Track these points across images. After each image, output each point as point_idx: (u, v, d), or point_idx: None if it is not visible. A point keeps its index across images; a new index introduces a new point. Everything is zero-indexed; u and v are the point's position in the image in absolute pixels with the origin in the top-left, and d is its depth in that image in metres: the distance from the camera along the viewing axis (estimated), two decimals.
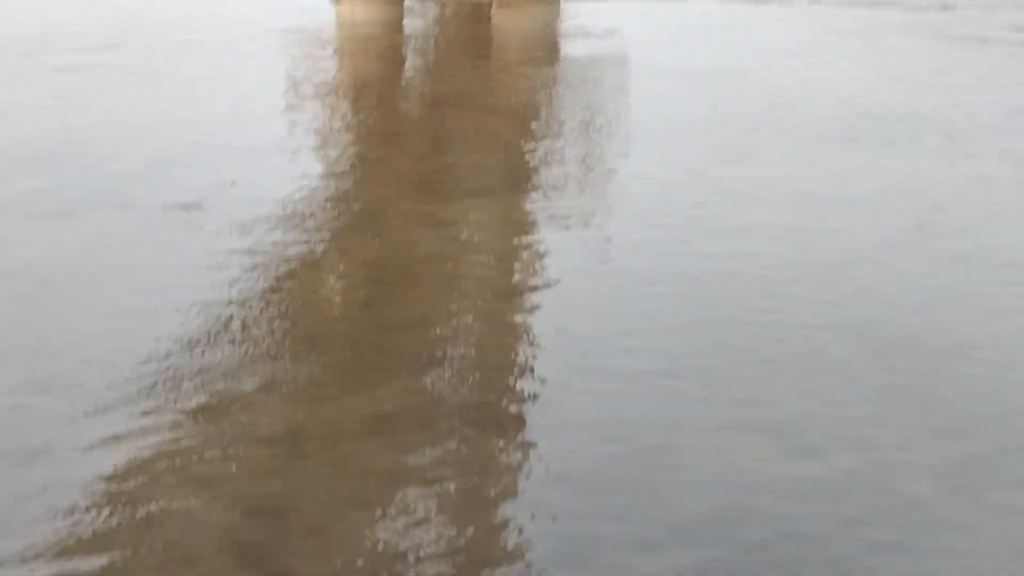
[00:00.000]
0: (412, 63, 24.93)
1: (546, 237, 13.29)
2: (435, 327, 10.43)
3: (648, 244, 13.28)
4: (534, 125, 18.65)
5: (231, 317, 10.52)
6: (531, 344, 10.21)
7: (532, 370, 9.82)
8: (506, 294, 11.71)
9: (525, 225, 13.81)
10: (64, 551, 6.80)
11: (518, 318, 10.77)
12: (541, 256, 12.81)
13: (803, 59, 25.97)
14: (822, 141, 19.05)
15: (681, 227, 13.93)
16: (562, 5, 33.14)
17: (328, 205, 14.22)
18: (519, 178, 15.62)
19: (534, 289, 11.67)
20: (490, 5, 33.40)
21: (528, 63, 25.65)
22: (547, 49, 26.10)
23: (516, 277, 12.14)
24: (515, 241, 13.18)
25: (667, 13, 32.73)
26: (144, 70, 21.96)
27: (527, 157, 16.74)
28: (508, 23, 30.87)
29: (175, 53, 23.81)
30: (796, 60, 25.86)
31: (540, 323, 10.75)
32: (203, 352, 9.62)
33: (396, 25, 30.20)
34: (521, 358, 9.90)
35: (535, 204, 14.63)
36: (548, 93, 21.17)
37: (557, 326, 10.67)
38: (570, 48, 26.38)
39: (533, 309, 11.19)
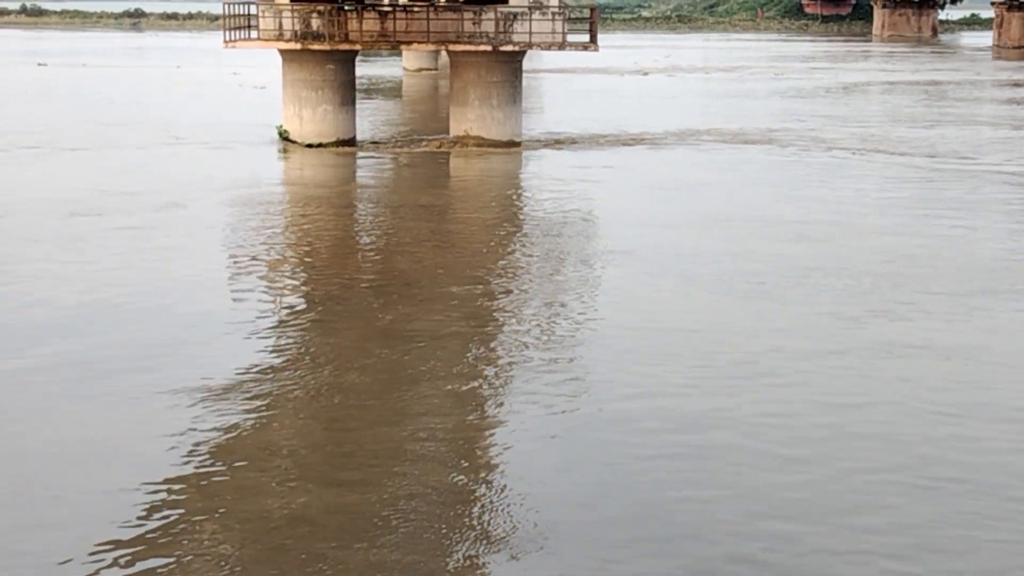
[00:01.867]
0: (364, 216, 25.74)
1: None
2: None
3: None
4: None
5: None
6: None
7: None
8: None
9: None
10: None
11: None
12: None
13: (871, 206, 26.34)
14: (961, 295, 18.88)
15: None
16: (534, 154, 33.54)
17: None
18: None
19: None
20: (446, 154, 34.13)
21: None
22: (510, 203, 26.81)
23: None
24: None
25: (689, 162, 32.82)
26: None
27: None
28: (466, 172, 31.68)
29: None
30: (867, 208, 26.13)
31: None
32: None
33: (349, 178, 30.81)
34: None
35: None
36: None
37: None
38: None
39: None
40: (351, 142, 36.40)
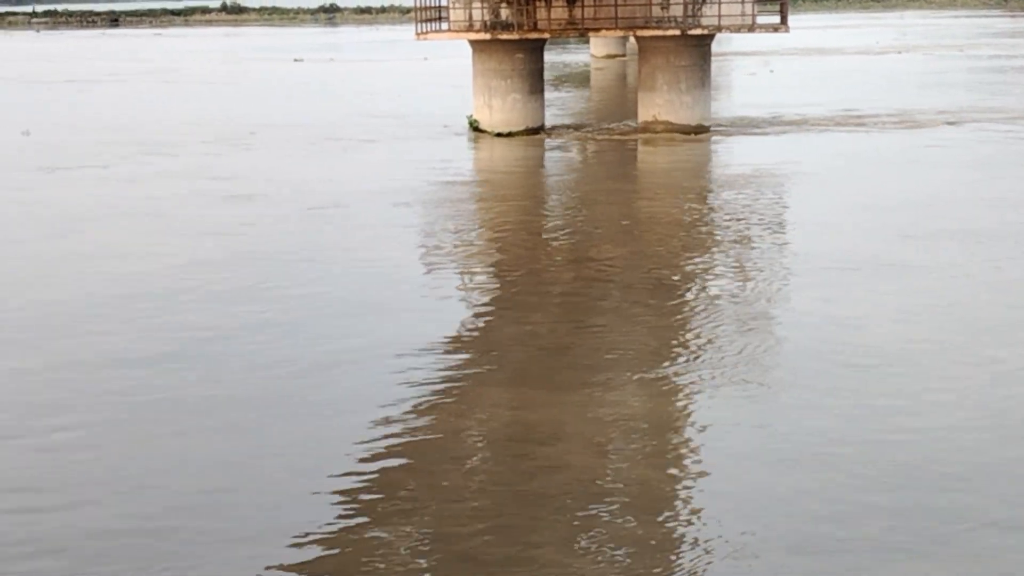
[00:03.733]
0: (554, 206, 26.00)
1: None
2: None
3: None
4: None
5: None
6: None
7: None
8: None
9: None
10: None
11: None
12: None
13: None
14: None
15: None
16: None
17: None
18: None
19: None
20: (634, 141, 34.02)
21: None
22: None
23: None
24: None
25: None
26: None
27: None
28: (654, 158, 31.50)
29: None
30: None
31: None
32: None
33: (537, 166, 31.07)
34: None
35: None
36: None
37: None
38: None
39: None
40: (539, 130, 36.64)
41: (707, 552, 10.08)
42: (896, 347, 15.19)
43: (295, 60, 63.63)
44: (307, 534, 10.49)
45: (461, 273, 19.95)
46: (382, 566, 10.04)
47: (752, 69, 56.80)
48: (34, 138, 35.09)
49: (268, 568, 9.89)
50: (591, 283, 18.80)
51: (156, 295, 17.99)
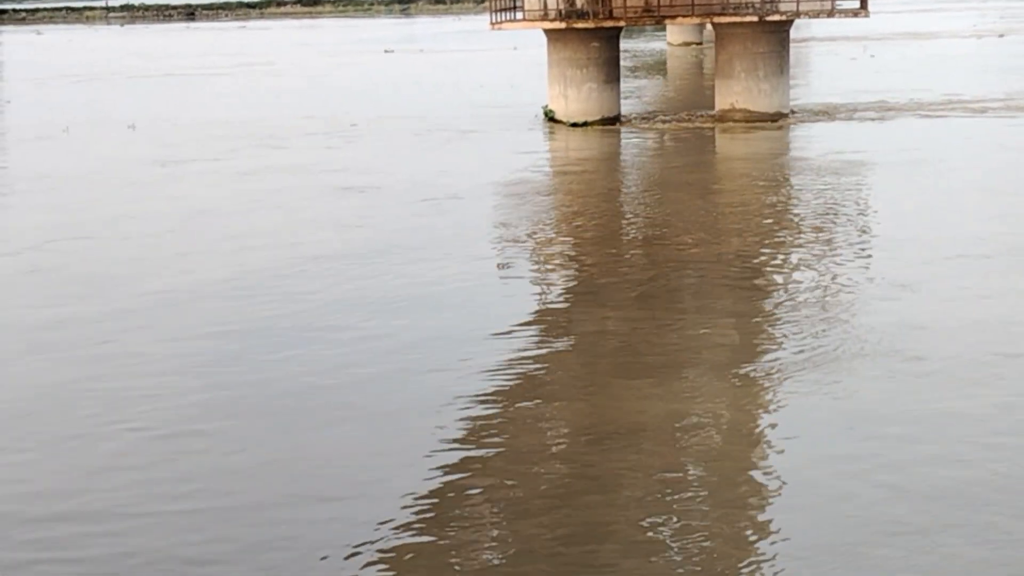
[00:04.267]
0: (630, 194, 25.74)
1: None
2: None
3: None
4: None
5: None
6: None
7: None
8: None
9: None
10: None
11: None
12: None
13: None
14: None
15: None
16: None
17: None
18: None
19: None
20: (712, 130, 33.56)
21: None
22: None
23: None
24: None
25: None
26: None
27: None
28: (732, 148, 31.05)
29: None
30: None
31: None
32: None
33: (613, 156, 30.81)
34: None
35: None
36: None
37: None
38: None
39: None
40: (616, 120, 36.34)
41: (782, 550, 9.83)
42: None
43: (386, 51, 63.92)
44: (394, 505, 10.64)
45: (538, 263, 19.80)
46: (457, 547, 10.01)
47: (852, 54, 55.66)
48: (141, 133, 35.50)
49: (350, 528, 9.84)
50: (670, 273, 18.56)
51: (286, 284, 18.47)
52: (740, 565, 9.71)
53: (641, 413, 12.80)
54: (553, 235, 22.15)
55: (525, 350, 15.08)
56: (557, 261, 20.03)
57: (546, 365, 14.58)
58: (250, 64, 56.41)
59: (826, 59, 56.69)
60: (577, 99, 36.01)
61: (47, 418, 13.16)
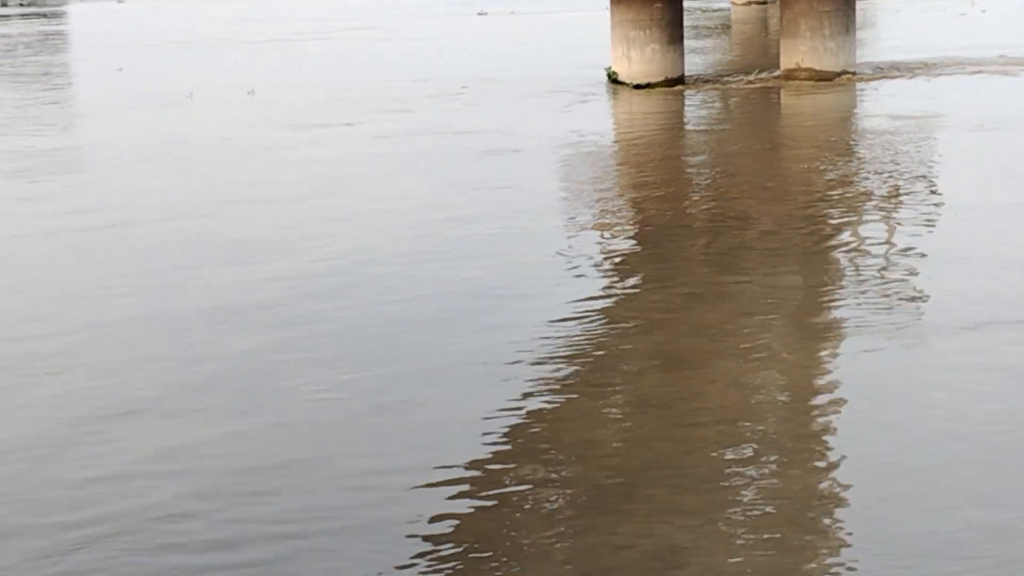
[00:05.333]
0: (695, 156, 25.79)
1: None
2: None
3: None
4: None
5: None
6: None
7: None
8: None
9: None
10: None
11: None
12: None
13: None
14: None
15: None
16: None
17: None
18: None
19: None
20: (777, 89, 33.25)
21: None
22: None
23: None
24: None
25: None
26: None
27: None
28: (798, 107, 30.74)
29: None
30: None
31: None
32: None
33: (677, 117, 30.64)
34: None
35: None
36: None
37: None
38: None
39: None
40: (679, 80, 36.04)
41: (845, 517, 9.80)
42: None
43: (479, 14, 63.76)
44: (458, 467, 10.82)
45: (602, 227, 19.77)
46: (526, 507, 10.11)
47: (961, 10, 54.37)
48: (261, 98, 35.56)
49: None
50: (734, 232, 18.46)
51: (454, 248, 18.63)
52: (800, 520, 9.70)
53: (707, 380, 12.82)
54: (614, 196, 22.21)
55: (584, 315, 15.10)
56: (620, 221, 20.09)
57: (606, 327, 14.61)
58: (351, 28, 56.32)
59: (923, 16, 55.36)
60: (640, 60, 35.74)
61: (257, 383, 13.28)
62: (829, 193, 21.05)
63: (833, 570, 9.10)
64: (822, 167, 23.46)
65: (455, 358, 13.67)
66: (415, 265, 17.61)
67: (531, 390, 12.64)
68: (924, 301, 15.00)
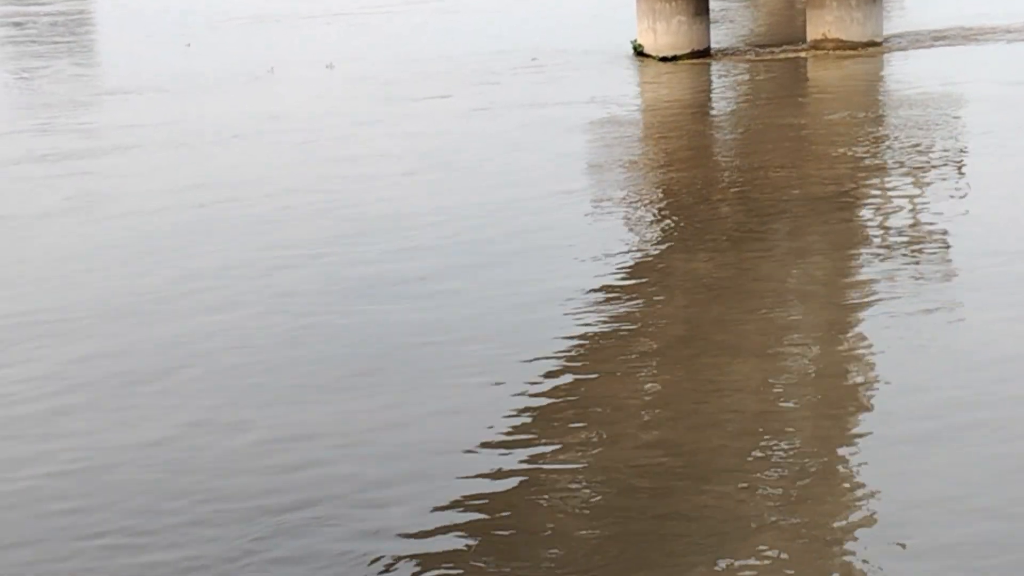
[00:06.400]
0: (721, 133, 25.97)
1: None
2: None
3: None
4: None
5: None
6: None
7: None
8: None
9: None
10: None
11: None
12: None
13: None
14: None
15: None
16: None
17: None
18: None
19: None
20: (804, 60, 33.18)
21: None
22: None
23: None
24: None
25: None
26: None
27: None
28: (826, 79, 30.69)
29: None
30: None
31: None
32: None
33: (704, 89, 30.67)
34: None
35: None
36: None
37: None
38: None
39: None
40: (705, 53, 35.98)
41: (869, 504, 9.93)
42: None
43: None
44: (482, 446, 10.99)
45: (630, 202, 19.86)
46: (550, 487, 10.27)
47: None
48: (341, 72, 35.38)
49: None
50: (763, 210, 18.54)
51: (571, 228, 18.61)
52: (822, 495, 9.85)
53: (732, 358, 12.97)
54: (641, 167, 22.37)
55: (609, 292, 15.25)
56: (645, 194, 20.23)
57: (632, 306, 14.75)
58: (418, 1, 56.08)
59: None
60: (666, 32, 35.67)
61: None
62: (856, 165, 21.10)
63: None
64: (848, 138, 23.47)
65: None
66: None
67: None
68: (948, 274, 15.08)
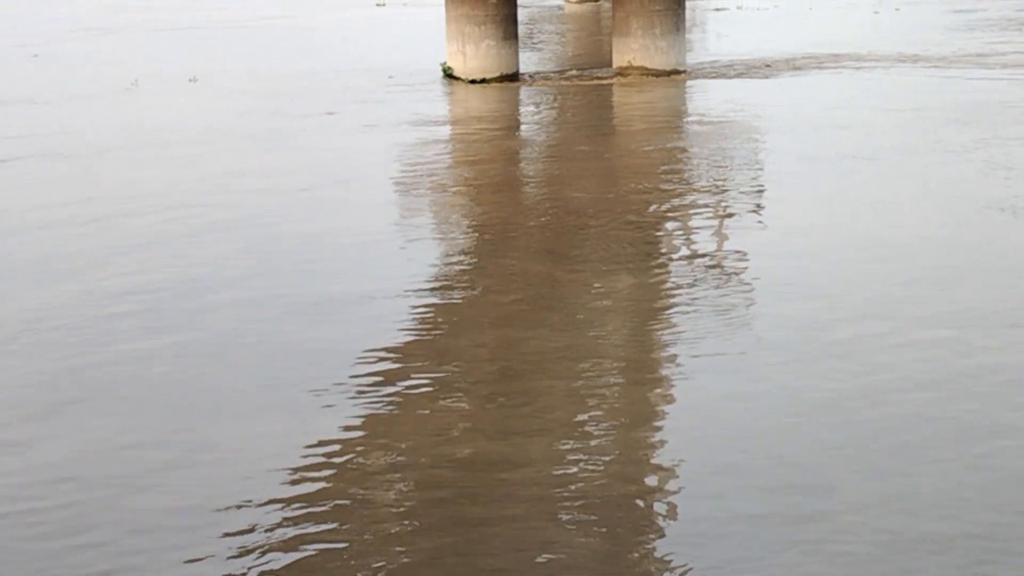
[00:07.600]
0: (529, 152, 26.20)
1: None
2: None
3: None
4: None
5: None
6: None
7: None
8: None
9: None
10: None
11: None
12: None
13: None
14: None
15: None
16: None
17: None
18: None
19: None
20: (609, 86, 33.94)
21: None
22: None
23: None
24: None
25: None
26: None
27: None
28: (629, 104, 31.51)
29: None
30: None
31: None
32: None
33: (512, 112, 31.19)
34: None
35: None
36: None
37: None
38: None
39: None
40: (514, 76, 36.46)
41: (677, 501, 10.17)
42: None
43: (377, 5, 63.13)
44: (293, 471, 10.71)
45: (438, 222, 19.94)
46: (361, 500, 10.11)
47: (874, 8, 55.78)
48: (205, 85, 34.77)
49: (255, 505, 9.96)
50: (568, 231, 18.83)
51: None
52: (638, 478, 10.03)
53: (541, 368, 13.12)
54: (448, 188, 22.42)
55: (417, 310, 15.26)
56: (452, 215, 20.35)
57: (441, 319, 14.80)
58: (268, 18, 54.98)
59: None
60: (475, 56, 36.03)
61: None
62: (658, 185, 21.68)
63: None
64: (652, 161, 24.11)
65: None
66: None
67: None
68: (746, 289, 15.59)
